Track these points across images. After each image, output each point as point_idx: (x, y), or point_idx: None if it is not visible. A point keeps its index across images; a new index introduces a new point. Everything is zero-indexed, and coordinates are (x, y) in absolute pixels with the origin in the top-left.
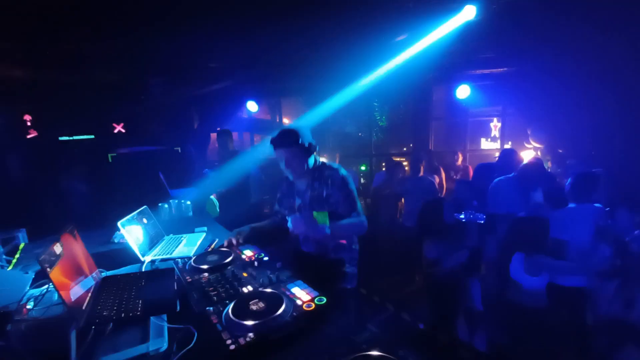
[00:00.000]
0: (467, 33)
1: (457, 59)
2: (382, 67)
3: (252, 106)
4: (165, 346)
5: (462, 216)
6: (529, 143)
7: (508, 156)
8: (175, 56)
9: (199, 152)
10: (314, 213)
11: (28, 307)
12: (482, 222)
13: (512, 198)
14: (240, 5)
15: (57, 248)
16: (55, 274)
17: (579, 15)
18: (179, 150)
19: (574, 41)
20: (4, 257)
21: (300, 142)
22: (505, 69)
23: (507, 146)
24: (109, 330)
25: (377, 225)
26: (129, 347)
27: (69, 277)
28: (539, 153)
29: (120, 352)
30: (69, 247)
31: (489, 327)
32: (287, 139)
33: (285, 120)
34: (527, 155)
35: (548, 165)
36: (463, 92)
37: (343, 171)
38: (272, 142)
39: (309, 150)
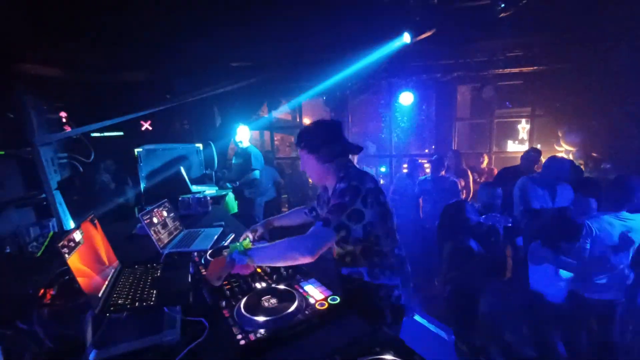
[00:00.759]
0: (494, 29)
1: (483, 56)
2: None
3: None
4: (177, 338)
5: (484, 218)
6: (560, 145)
7: (533, 158)
8: (199, 56)
9: (220, 150)
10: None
11: (52, 292)
12: (509, 225)
13: (539, 195)
14: (261, 6)
15: (77, 235)
16: (74, 260)
17: (614, 10)
18: (201, 148)
19: (609, 37)
20: (34, 244)
21: (305, 143)
22: (534, 67)
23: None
24: (124, 319)
25: (398, 227)
26: (143, 336)
27: (87, 264)
28: (570, 156)
29: (134, 341)
30: (89, 235)
31: (512, 335)
32: (297, 138)
33: (306, 120)
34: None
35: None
36: (488, 92)
37: (351, 182)
38: None
39: (322, 155)
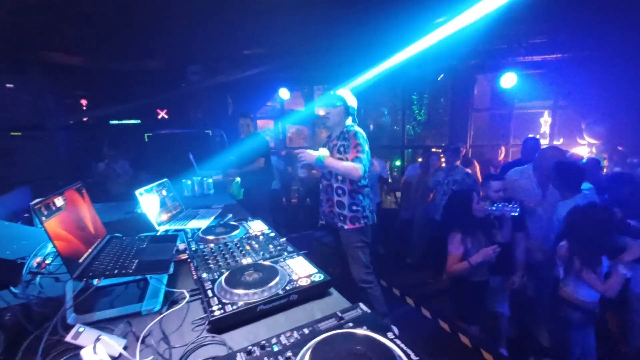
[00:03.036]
0: (516, 14)
1: (504, 44)
2: (419, 52)
3: (284, 93)
4: (158, 307)
5: (493, 208)
6: (583, 139)
7: (531, 148)
8: (212, 43)
9: (232, 137)
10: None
11: (47, 262)
12: (516, 213)
13: (530, 192)
14: None
15: (59, 201)
16: (52, 224)
17: None
18: (210, 133)
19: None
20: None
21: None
22: (558, 55)
23: (557, 143)
24: (110, 287)
25: (407, 218)
26: (126, 304)
27: (68, 230)
28: (594, 150)
29: (115, 309)
30: (73, 203)
31: (516, 334)
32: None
33: (322, 112)
34: (580, 152)
35: (604, 163)
36: (508, 80)
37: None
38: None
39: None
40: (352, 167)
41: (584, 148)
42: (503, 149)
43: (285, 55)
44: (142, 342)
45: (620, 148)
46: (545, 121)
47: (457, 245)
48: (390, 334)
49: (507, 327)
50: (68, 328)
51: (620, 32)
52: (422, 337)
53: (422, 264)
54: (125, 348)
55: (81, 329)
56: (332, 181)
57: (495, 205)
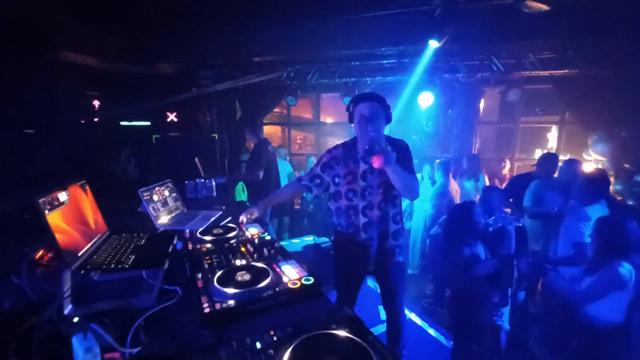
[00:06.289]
0: (524, 29)
1: (511, 57)
2: (428, 64)
3: (290, 100)
4: (152, 302)
5: (493, 219)
6: (589, 155)
7: (548, 162)
8: (223, 50)
9: (240, 142)
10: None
11: (50, 255)
12: (519, 224)
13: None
14: (281, 5)
15: (62, 196)
16: (54, 217)
17: None
18: (216, 137)
19: None
20: None
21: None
22: (566, 71)
23: (563, 158)
24: (107, 281)
25: (410, 229)
26: (121, 298)
27: (70, 224)
28: (600, 166)
29: (110, 301)
30: (76, 198)
31: (515, 349)
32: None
33: (329, 120)
34: (587, 168)
35: (610, 180)
36: (514, 95)
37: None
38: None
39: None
40: (414, 178)
41: (590, 164)
42: (508, 161)
43: (294, 63)
44: (134, 334)
45: (626, 165)
46: (553, 136)
47: (458, 257)
48: (370, 337)
49: (506, 341)
50: (64, 318)
51: (628, 49)
52: (419, 350)
53: (423, 276)
54: (117, 339)
55: (75, 319)
56: (387, 209)
57: (494, 216)
